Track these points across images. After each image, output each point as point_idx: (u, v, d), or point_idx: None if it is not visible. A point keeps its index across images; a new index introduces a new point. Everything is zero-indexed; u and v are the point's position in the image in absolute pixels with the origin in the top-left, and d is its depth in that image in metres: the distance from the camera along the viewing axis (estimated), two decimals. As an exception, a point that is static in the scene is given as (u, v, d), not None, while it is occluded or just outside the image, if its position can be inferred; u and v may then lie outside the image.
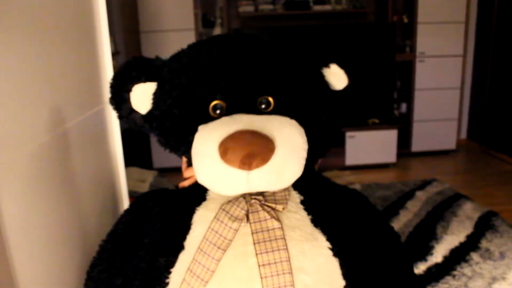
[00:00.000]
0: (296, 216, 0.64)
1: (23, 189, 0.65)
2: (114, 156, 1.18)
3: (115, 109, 0.73)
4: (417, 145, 3.70)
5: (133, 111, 0.71)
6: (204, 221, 0.64)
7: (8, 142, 0.61)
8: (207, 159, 0.58)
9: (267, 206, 0.62)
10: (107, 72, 1.13)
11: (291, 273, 0.59)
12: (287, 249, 0.60)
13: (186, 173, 0.75)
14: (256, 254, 0.60)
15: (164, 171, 3.20)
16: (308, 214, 0.65)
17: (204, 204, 0.66)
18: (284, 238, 0.61)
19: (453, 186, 2.91)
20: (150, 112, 0.70)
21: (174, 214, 0.68)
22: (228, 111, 0.64)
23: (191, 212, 0.66)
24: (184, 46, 0.73)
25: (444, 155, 3.74)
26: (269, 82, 0.64)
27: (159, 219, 0.69)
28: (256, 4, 3.47)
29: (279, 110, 0.64)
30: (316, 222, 0.65)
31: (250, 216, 0.62)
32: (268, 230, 0.61)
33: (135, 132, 0.80)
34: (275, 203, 0.62)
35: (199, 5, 3.44)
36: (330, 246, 0.63)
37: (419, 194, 2.77)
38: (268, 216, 0.62)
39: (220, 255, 0.61)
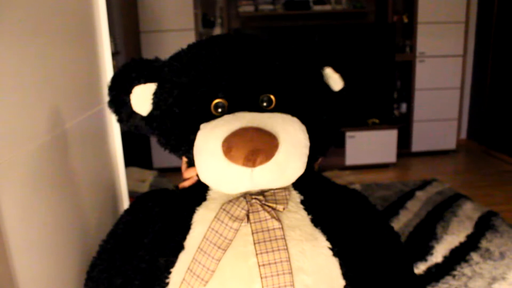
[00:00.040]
0: (296, 216, 0.64)
1: (23, 189, 0.65)
2: (114, 156, 1.18)
3: (114, 113, 0.72)
4: (417, 145, 3.70)
5: (133, 113, 0.71)
6: (204, 221, 0.64)
7: (8, 142, 0.61)
8: (210, 156, 0.58)
9: (268, 206, 0.62)
10: (107, 72, 1.13)
11: (291, 273, 0.59)
12: (287, 249, 0.60)
13: (186, 173, 0.75)
14: (256, 254, 0.60)
15: (164, 171, 3.20)
16: (308, 214, 0.65)
17: (204, 204, 0.66)
18: (284, 238, 0.61)
19: (453, 186, 2.91)
20: (150, 113, 0.70)
21: (174, 214, 0.68)
22: (230, 110, 0.64)
23: (191, 212, 0.66)
24: (184, 46, 0.73)
25: (444, 155, 3.74)
26: (270, 80, 0.65)
27: (159, 219, 0.69)
28: (256, 4, 3.47)
29: (280, 108, 0.65)
30: (316, 222, 0.65)
31: (251, 216, 0.62)
32: (268, 230, 0.61)
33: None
34: (276, 203, 0.62)
35: (199, 5, 3.45)
36: (330, 246, 0.63)
37: (419, 194, 2.77)
38: (268, 216, 0.62)
39: (220, 255, 0.61)
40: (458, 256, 2.00)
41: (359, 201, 0.74)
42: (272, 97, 0.65)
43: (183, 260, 0.63)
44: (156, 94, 0.69)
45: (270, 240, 0.61)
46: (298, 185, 0.67)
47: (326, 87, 0.71)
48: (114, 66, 1.07)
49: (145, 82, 0.69)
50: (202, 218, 0.65)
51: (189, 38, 3.18)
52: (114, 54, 3.13)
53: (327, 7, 3.49)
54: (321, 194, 0.69)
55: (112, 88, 0.71)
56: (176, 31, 3.24)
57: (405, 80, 3.69)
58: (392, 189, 2.89)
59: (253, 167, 0.56)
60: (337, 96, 0.72)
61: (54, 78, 0.80)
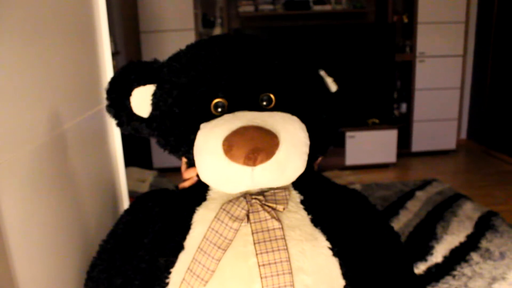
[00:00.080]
0: (296, 216, 0.64)
1: (23, 189, 0.65)
2: (114, 156, 1.18)
3: (113, 117, 0.71)
4: (417, 145, 3.70)
5: (133, 116, 0.70)
6: (204, 221, 0.64)
7: (8, 143, 0.61)
8: (211, 156, 0.58)
9: (268, 206, 0.62)
10: (107, 72, 1.13)
11: (291, 273, 0.60)
12: (287, 249, 0.61)
13: (186, 174, 0.75)
14: (256, 254, 0.60)
15: (164, 171, 3.20)
16: (308, 214, 0.65)
17: (204, 204, 0.66)
18: (284, 238, 0.61)
19: (453, 186, 2.91)
20: (150, 115, 0.70)
21: (174, 214, 0.68)
22: (229, 109, 0.64)
23: (191, 212, 0.66)
24: (184, 46, 0.73)
25: (444, 155, 3.74)
26: (270, 79, 0.65)
27: (159, 219, 0.69)
28: (256, 4, 3.47)
29: (280, 107, 0.65)
30: (316, 222, 0.65)
31: (251, 216, 0.62)
32: (268, 230, 0.61)
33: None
34: (276, 203, 0.62)
35: (199, 5, 3.45)
36: (330, 246, 0.63)
37: (419, 194, 2.77)
38: (268, 216, 0.62)
39: (220, 255, 0.61)
40: (458, 256, 2.00)
41: (359, 201, 0.74)
42: (272, 96, 0.65)
43: (183, 260, 0.63)
44: (155, 95, 0.69)
45: (270, 240, 0.61)
46: (298, 185, 0.67)
47: (325, 86, 0.71)
48: (114, 66, 1.07)
49: (144, 84, 0.69)
50: (202, 218, 0.65)
51: (189, 38, 3.18)
52: (114, 54, 3.13)
53: (327, 7, 3.49)
54: (321, 194, 0.70)
55: (111, 91, 0.70)
56: (176, 31, 3.24)
57: (405, 80, 3.69)
58: (392, 189, 2.89)
59: (253, 166, 0.56)
60: (335, 97, 0.72)
61: (54, 79, 0.80)
